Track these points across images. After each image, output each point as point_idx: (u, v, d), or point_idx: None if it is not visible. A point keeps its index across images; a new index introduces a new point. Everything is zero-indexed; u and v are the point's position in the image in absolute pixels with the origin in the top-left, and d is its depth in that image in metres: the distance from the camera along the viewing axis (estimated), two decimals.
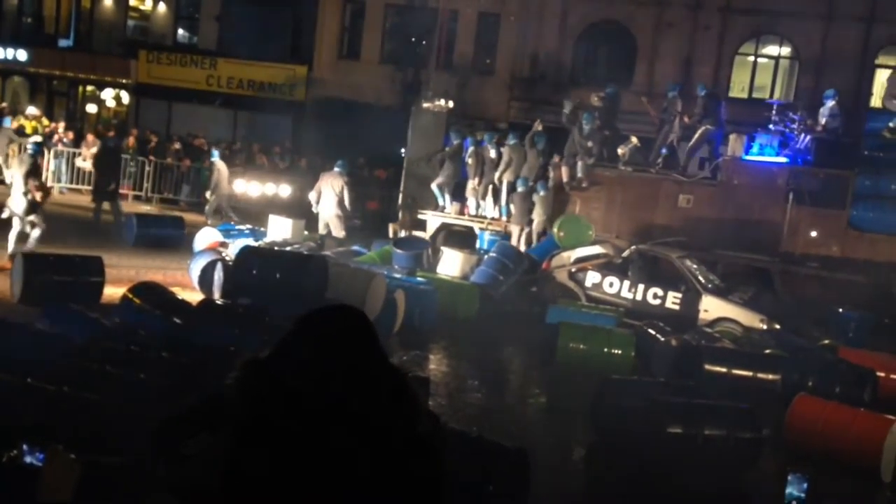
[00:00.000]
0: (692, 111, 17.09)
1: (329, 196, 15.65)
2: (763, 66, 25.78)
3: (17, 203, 12.53)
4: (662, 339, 11.31)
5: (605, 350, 10.95)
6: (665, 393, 8.70)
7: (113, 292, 10.66)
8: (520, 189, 16.63)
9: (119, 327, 8.47)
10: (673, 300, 13.75)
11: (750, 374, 10.20)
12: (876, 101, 25.05)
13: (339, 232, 15.74)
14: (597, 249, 15.06)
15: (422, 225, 17.90)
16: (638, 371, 10.67)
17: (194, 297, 11.18)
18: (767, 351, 11.29)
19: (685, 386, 9.27)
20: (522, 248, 16.19)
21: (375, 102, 25.65)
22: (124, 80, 29.18)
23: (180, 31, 30.22)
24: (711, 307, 13.42)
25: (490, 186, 17.66)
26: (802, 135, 16.21)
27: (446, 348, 11.84)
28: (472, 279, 14.38)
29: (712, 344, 11.24)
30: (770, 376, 10.15)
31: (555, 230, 15.58)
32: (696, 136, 16.80)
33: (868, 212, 15.59)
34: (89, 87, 30.36)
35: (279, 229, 15.65)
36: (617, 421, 8.14)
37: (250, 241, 13.91)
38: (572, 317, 12.03)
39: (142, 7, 30.45)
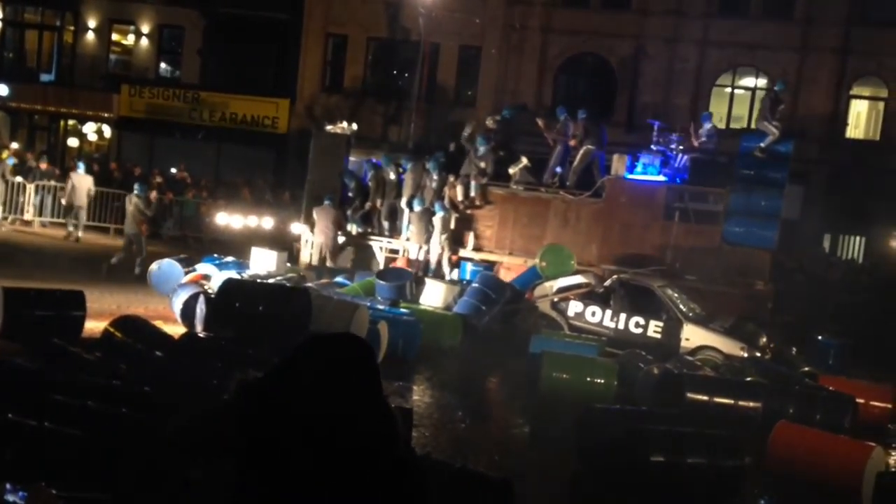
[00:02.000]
0: (576, 133, 17.70)
1: (323, 227, 16.76)
2: (740, 98, 26.17)
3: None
4: (645, 367, 11.36)
5: (588, 379, 10.98)
6: (648, 421, 8.73)
7: (94, 326, 10.60)
8: (416, 209, 17.14)
9: (100, 362, 8.42)
10: (655, 329, 13.82)
11: (731, 401, 10.25)
12: (851, 132, 25.52)
13: (332, 261, 16.42)
14: (579, 279, 15.16)
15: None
16: (620, 400, 10.69)
17: (177, 330, 11.14)
18: (748, 379, 11.35)
19: (668, 414, 9.32)
20: (423, 265, 16.88)
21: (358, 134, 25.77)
22: (106, 115, 29.23)
23: (162, 65, 30.34)
24: (693, 335, 13.50)
25: (390, 207, 18.29)
26: (680, 154, 16.95)
27: (430, 379, 11.83)
28: (455, 310, 14.42)
29: (694, 372, 11.30)
30: (751, 404, 10.21)
31: (537, 260, 15.68)
32: (579, 156, 17.48)
33: (740, 227, 16.23)
34: (71, 122, 30.38)
35: (262, 262, 15.65)
36: (600, 450, 8.16)
37: (233, 274, 13.90)
38: (555, 346, 12.06)
39: (124, 41, 30.57)
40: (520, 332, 14.33)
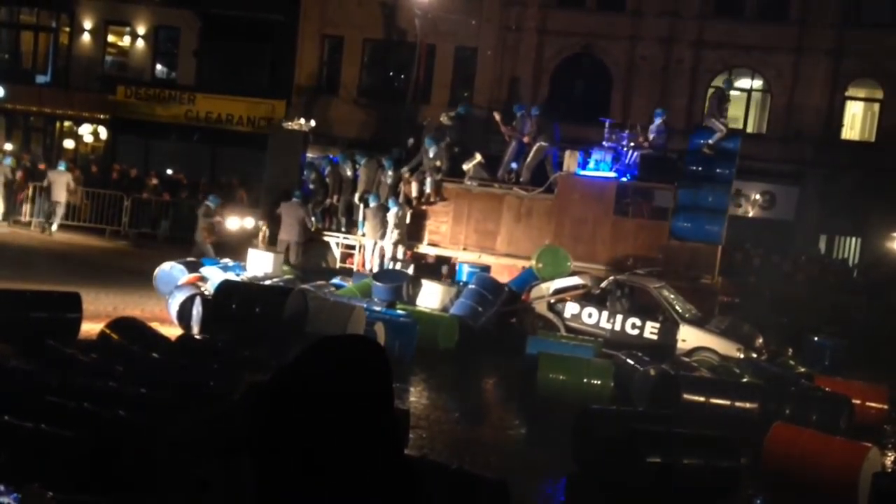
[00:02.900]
0: (531, 130, 17.93)
1: (289, 224, 16.99)
2: (736, 99, 26.16)
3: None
4: (641, 368, 11.38)
5: (585, 380, 11.00)
6: (644, 422, 8.74)
7: (91, 328, 10.59)
8: (372, 204, 17.42)
9: (97, 364, 8.42)
10: (651, 330, 13.84)
11: (728, 402, 10.27)
12: (847, 133, 25.58)
13: (296, 257, 16.66)
14: (575, 280, 15.17)
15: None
16: (617, 401, 10.72)
17: (173, 332, 11.14)
18: (745, 380, 11.37)
19: (664, 415, 9.33)
20: (376, 261, 17.16)
21: (354, 136, 25.79)
22: (102, 116, 29.15)
23: (158, 67, 30.29)
24: (689, 336, 13.52)
25: (346, 202, 18.65)
26: (631, 151, 17.21)
27: (426, 380, 11.84)
28: (452, 311, 14.42)
29: (690, 373, 11.31)
30: (748, 405, 10.23)
31: (533, 262, 15.69)
32: (532, 152, 17.70)
33: (688, 222, 16.47)
34: (66, 123, 30.30)
35: (259, 263, 15.64)
36: (596, 451, 8.17)
37: (230, 276, 13.89)
38: (551, 347, 12.07)
39: (120, 43, 30.51)
40: (516, 334, 14.35)
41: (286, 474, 1.69)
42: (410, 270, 17.07)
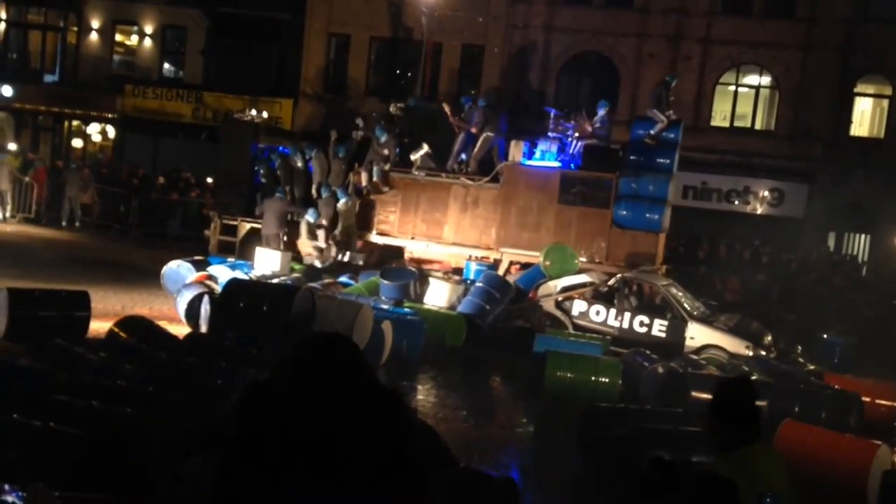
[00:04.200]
0: (479, 121, 18.10)
1: (270, 219, 17.35)
2: (744, 96, 26.11)
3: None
4: (649, 366, 11.35)
5: (593, 378, 10.97)
6: (652, 420, 8.73)
7: (99, 326, 10.63)
8: (324, 195, 17.73)
9: (105, 362, 8.43)
10: (659, 328, 13.82)
11: None
12: (856, 130, 25.47)
13: (269, 247, 16.99)
14: (583, 278, 15.16)
15: (232, 230, 19.13)
16: (625, 399, 10.69)
17: (181, 330, 11.16)
18: (753, 377, 11.33)
19: (672, 413, 9.30)
20: (333, 250, 17.47)
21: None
22: (110, 115, 29.24)
23: (166, 66, 30.35)
24: (697, 334, 13.49)
25: (302, 194, 18.99)
26: (575, 141, 17.48)
27: (434, 378, 11.83)
28: (459, 309, 14.42)
29: (698, 371, 11.29)
30: (756, 402, 10.17)
31: (541, 259, 15.68)
32: (479, 143, 17.91)
33: (628, 211, 16.74)
34: (75, 122, 30.40)
35: (267, 262, 15.66)
36: (604, 449, 8.15)
37: (238, 274, 13.91)
38: (559, 345, 12.06)
39: (127, 42, 30.58)
40: (524, 332, 14.34)
41: (253, 470, 1.70)
42: (361, 261, 17.53)
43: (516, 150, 17.47)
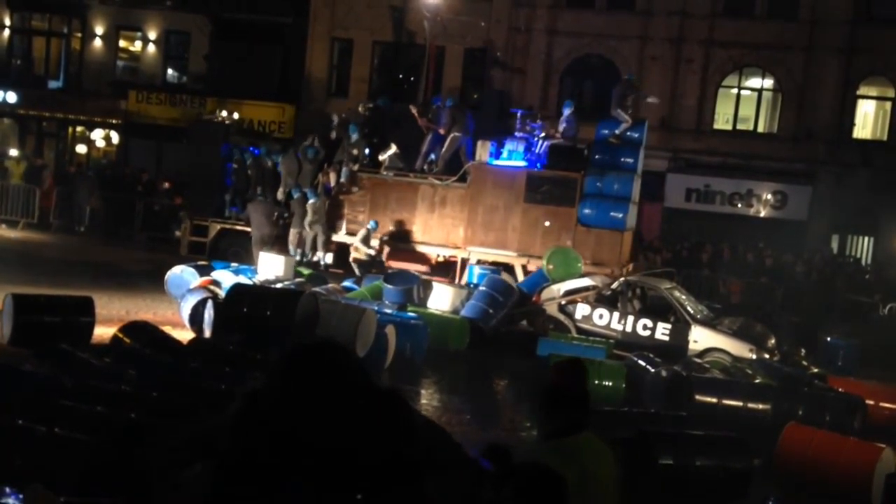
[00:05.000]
0: (446, 122, 18.31)
1: (259, 220, 17.76)
2: (746, 99, 26.13)
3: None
4: (653, 369, 11.35)
5: (596, 381, 10.96)
6: (656, 424, 8.73)
7: (103, 332, 10.65)
8: (294, 196, 17.95)
9: (109, 367, 8.46)
10: (663, 331, 13.81)
11: (740, 403, 10.24)
12: (859, 132, 25.46)
13: (261, 250, 17.19)
14: (586, 282, 15.15)
15: (203, 231, 19.25)
16: (629, 402, 10.69)
17: (185, 335, 11.18)
18: (757, 380, 11.33)
19: (676, 416, 9.30)
20: (300, 250, 17.72)
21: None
22: (114, 120, 29.32)
23: (170, 71, 30.44)
24: (701, 337, 13.48)
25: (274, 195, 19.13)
26: (541, 141, 17.73)
27: (438, 382, 11.84)
28: (463, 313, 14.41)
29: (702, 374, 11.28)
30: (760, 406, 10.19)
31: (544, 263, 15.68)
32: (447, 143, 18.15)
33: (593, 209, 16.94)
34: (79, 128, 30.49)
35: (270, 267, 15.67)
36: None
37: (242, 279, 13.93)
38: (563, 349, 12.07)
39: (131, 48, 30.68)
40: (527, 335, 14.34)
41: (255, 480, 1.71)
42: (330, 259, 17.72)
43: (483, 150, 17.69)
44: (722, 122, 26.04)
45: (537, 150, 17.75)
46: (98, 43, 29.95)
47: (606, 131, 17.73)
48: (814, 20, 24.65)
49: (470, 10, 25.88)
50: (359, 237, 17.54)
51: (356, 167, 18.39)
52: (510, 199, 17.42)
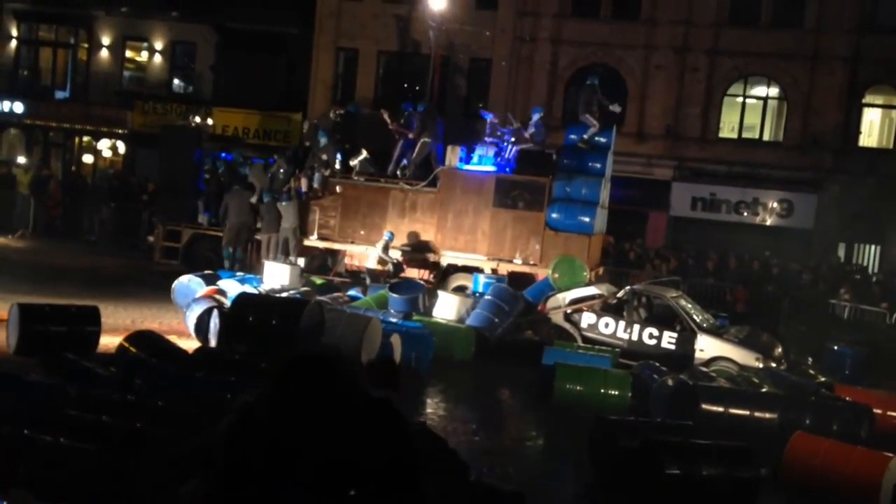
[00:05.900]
0: (417, 127, 18.62)
1: (238, 209, 18.17)
2: (752, 107, 26.11)
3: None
4: (658, 379, 11.31)
5: (602, 391, 10.95)
6: (662, 433, 8.69)
7: (109, 341, 10.67)
8: (265, 200, 18.21)
9: (115, 377, 8.46)
10: (669, 340, 13.78)
11: (747, 412, 10.20)
12: (865, 140, 25.42)
13: (236, 238, 17.62)
14: (592, 290, 15.13)
15: (176, 236, 19.46)
16: (634, 411, 10.65)
17: (191, 344, 11.19)
18: (764, 389, 11.29)
19: (682, 426, 9.27)
20: (272, 254, 17.89)
21: (370, 146, 25.86)
22: (120, 130, 29.43)
23: (175, 81, 30.55)
24: (707, 346, 13.44)
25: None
26: (511, 146, 17.93)
27: (443, 391, 11.82)
28: (468, 322, 14.40)
29: (708, 383, 11.24)
30: (767, 415, 10.15)
31: (550, 272, 15.67)
32: (417, 148, 18.49)
33: (560, 213, 17.21)
34: (86, 138, 30.61)
35: (276, 276, 15.69)
36: (614, 462, 8.12)
37: (247, 288, 13.94)
38: (568, 358, 12.04)
39: (137, 58, 30.81)
40: (533, 344, 14.32)
41: (251, 490, 1.70)
42: (301, 262, 17.80)
43: (453, 155, 17.92)
44: (727, 130, 26.02)
45: (507, 156, 17.97)
46: (104, 53, 30.10)
47: (574, 136, 18.03)
48: (819, 28, 24.64)
49: (475, 19, 25.94)
50: (379, 247, 17.61)
51: (328, 172, 18.62)
52: (480, 204, 17.72)
